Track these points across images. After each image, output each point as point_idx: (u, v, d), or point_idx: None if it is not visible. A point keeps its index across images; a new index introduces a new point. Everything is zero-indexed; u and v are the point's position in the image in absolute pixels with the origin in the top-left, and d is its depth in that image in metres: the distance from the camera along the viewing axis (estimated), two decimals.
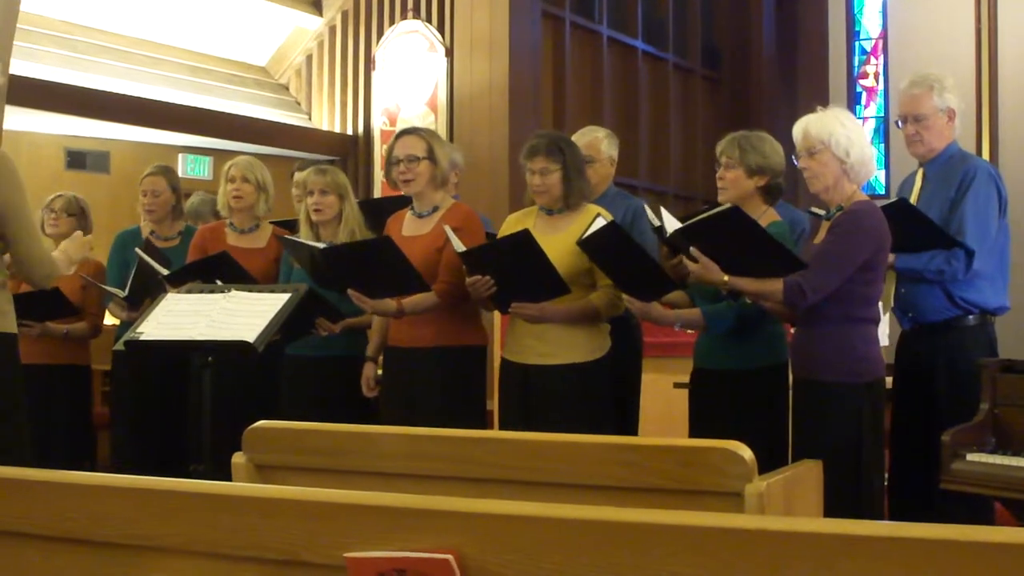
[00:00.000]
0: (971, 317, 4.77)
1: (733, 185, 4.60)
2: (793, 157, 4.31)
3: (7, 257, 4.34)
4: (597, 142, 5.64)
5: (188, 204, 7.27)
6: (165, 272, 5.31)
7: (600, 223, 4.49)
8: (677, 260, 4.43)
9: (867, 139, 4.26)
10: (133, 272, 5.50)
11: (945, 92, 4.86)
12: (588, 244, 4.52)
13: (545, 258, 4.54)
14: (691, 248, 4.18)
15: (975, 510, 4.53)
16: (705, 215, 4.25)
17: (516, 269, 4.62)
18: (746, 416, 4.40)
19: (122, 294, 5.62)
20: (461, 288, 4.82)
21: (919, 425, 4.58)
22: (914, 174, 5.03)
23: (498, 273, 4.62)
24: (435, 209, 5.05)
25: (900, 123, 4.98)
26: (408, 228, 5.09)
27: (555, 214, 4.84)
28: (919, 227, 4.47)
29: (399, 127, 10.29)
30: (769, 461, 3.17)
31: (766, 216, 4.55)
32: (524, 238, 4.60)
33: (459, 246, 4.63)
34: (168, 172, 6.25)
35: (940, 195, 4.81)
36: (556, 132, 5.26)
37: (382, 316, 5.05)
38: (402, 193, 5.23)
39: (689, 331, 5.31)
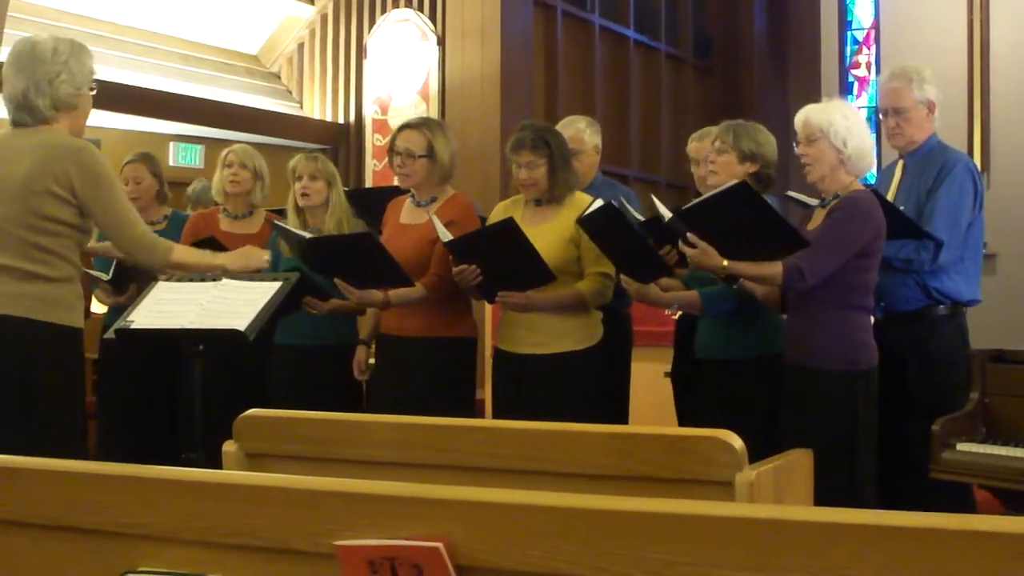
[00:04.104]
0: (942, 307, 4.79)
1: (724, 169, 4.61)
2: (794, 144, 4.33)
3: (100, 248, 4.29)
4: (580, 133, 5.63)
5: (190, 191, 7.25)
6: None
7: (600, 202, 4.49)
8: (667, 251, 4.43)
9: (867, 133, 4.27)
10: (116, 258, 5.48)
11: (925, 84, 4.88)
12: (588, 222, 4.52)
13: (530, 246, 4.55)
14: (688, 233, 4.18)
15: (955, 498, 4.54)
16: (711, 193, 4.25)
17: (502, 258, 4.63)
18: (747, 405, 4.41)
19: (105, 277, 5.61)
20: (450, 281, 4.82)
21: (891, 413, 4.59)
22: (893, 165, 5.06)
23: (484, 262, 4.62)
24: (433, 199, 5.05)
25: (881, 116, 5.01)
26: (406, 216, 5.10)
27: (542, 204, 4.85)
28: (891, 217, 4.49)
29: (390, 116, 10.30)
30: (769, 450, 3.18)
31: None
32: (509, 226, 4.60)
33: (445, 235, 4.63)
34: (148, 159, 6.23)
35: (918, 186, 4.84)
36: (541, 123, 5.24)
37: (368, 307, 5.05)
38: (396, 184, 5.23)
39: (676, 317, 5.32)
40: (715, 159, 4.68)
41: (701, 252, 4.16)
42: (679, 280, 4.73)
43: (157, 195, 6.17)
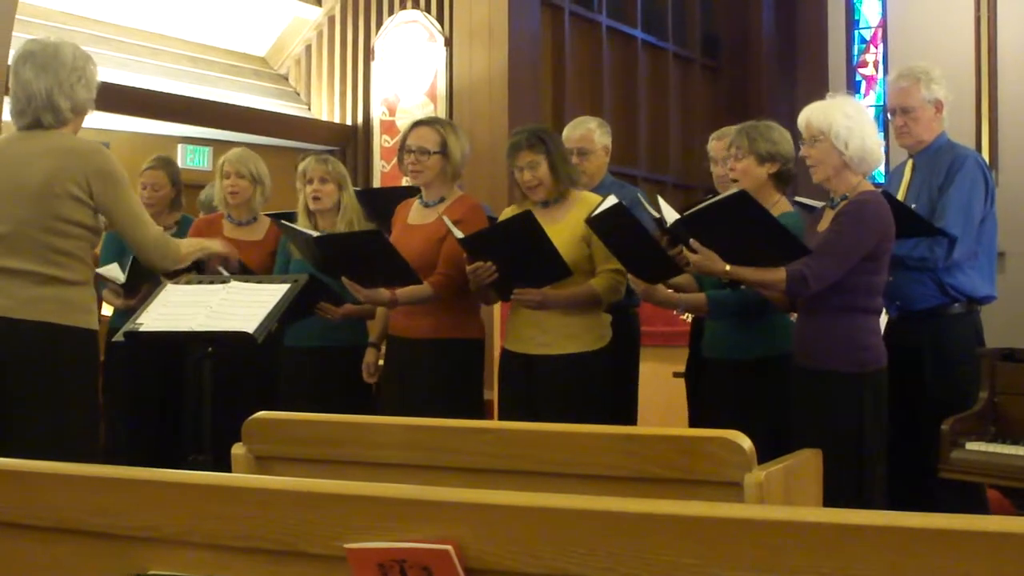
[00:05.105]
0: (957, 305, 4.78)
1: (745, 175, 4.57)
2: (800, 143, 4.31)
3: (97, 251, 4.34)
4: (590, 133, 5.64)
5: (203, 196, 7.27)
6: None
7: (610, 202, 4.49)
8: (677, 250, 4.42)
9: (872, 129, 4.21)
10: (131, 261, 5.50)
11: (932, 84, 4.87)
12: (597, 222, 4.51)
13: (547, 239, 4.54)
14: (690, 239, 4.17)
15: (968, 498, 4.54)
16: (711, 201, 4.24)
17: (518, 253, 4.62)
18: (754, 405, 4.41)
19: (121, 278, 5.63)
20: (457, 280, 4.82)
21: (906, 412, 4.59)
22: (903, 164, 5.06)
23: (500, 258, 4.61)
24: (441, 200, 5.05)
25: (890, 115, 5.01)
26: (414, 216, 5.11)
27: (550, 205, 4.85)
28: (903, 217, 4.49)
29: (398, 117, 10.30)
30: (777, 451, 3.17)
31: (778, 206, 4.55)
32: (526, 219, 4.59)
33: (459, 234, 4.63)
34: (169, 165, 6.26)
35: (928, 185, 4.83)
36: (532, 124, 5.24)
37: (375, 305, 5.05)
38: (404, 183, 5.23)
39: (686, 317, 5.32)
40: (734, 166, 4.65)
41: (704, 257, 4.16)
42: (693, 278, 4.72)
43: (171, 203, 6.20)
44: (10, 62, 4.30)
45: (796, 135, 4.36)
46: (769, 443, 3.37)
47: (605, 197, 4.59)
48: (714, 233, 4.15)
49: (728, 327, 4.61)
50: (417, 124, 5.13)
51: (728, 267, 4.15)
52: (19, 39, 8.07)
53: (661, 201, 4.44)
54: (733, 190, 4.26)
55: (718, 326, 4.67)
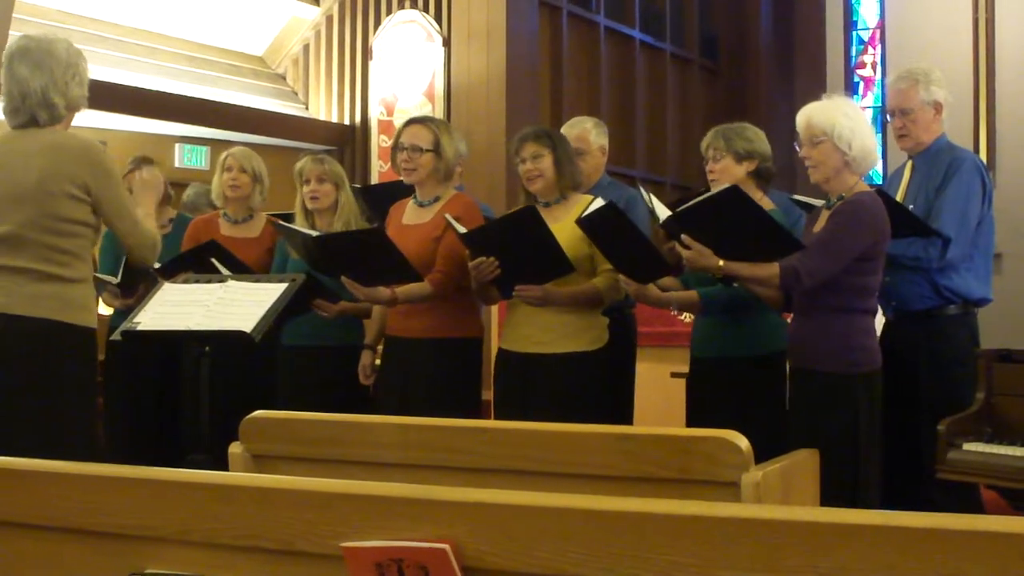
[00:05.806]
0: (952, 306, 4.78)
1: (724, 174, 4.64)
2: (796, 144, 4.31)
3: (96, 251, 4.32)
4: (586, 133, 5.63)
5: (184, 196, 7.25)
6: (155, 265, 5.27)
7: (600, 203, 4.49)
8: (671, 245, 4.42)
9: (870, 130, 4.23)
10: (124, 260, 5.49)
11: (931, 85, 4.88)
12: (587, 223, 4.50)
13: (550, 233, 4.53)
14: (682, 236, 4.17)
15: (962, 498, 4.54)
16: (703, 197, 4.24)
17: (520, 247, 4.60)
18: (746, 404, 4.41)
19: (115, 280, 5.62)
20: (455, 278, 4.82)
21: (901, 413, 4.59)
22: (903, 166, 5.06)
23: (502, 253, 4.61)
24: (436, 199, 5.05)
25: (889, 117, 5.01)
26: (408, 217, 5.10)
27: (551, 205, 4.84)
28: (898, 216, 4.49)
29: (396, 117, 10.28)
30: (770, 449, 3.17)
31: (760, 204, 4.55)
32: (529, 213, 4.59)
33: (462, 230, 4.62)
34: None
35: (927, 185, 4.83)
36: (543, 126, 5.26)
37: (375, 304, 5.04)
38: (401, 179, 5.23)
39: (684, 318, 5.32)
40: (713, 167, 4.71)
41: (697, 253, 4.16)
42: (678, 279, 4.73)
43: (161, 199, 6.17)
44: (2, 59, 4.30)
45: (794, 135, 4.36)
46: (764, 440, 3.37)
47: (595, 198, 4.60)
48: (707, 229, 4.15)
49: (719, 325, 4.62)
50: (410, 122, 5.14)
51: (721, 263, 4.15)
52: (15, 38, 8.06)
53: (654, 199, 4.44)
54: (724, 186, 4.26)
55: (709, 324, 4.67)
